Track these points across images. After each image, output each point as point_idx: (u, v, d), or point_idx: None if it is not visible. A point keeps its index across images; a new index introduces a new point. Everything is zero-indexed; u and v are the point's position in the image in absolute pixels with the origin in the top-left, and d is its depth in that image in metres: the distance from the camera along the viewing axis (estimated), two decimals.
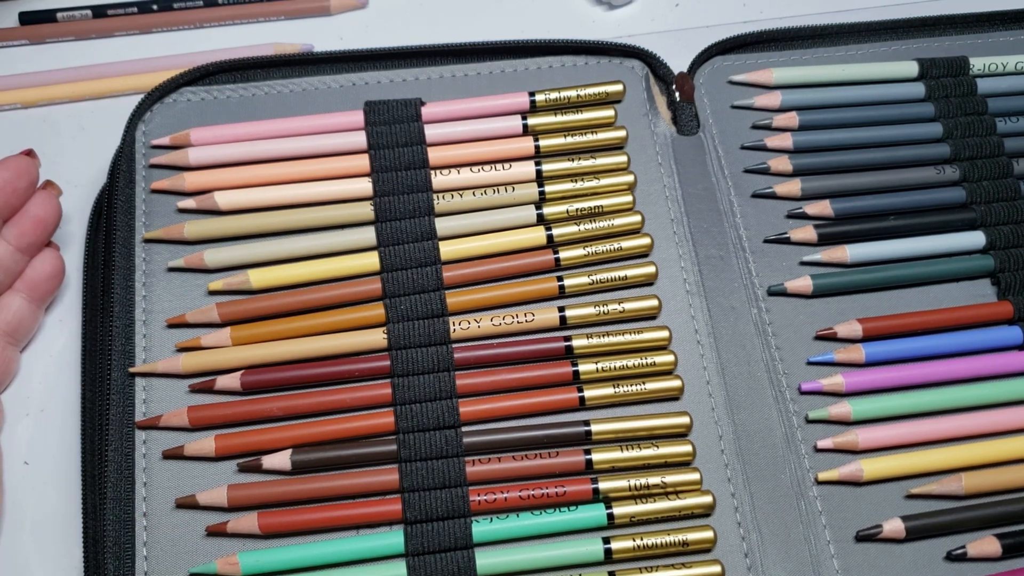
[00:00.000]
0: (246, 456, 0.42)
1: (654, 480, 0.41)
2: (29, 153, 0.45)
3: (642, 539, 0.40)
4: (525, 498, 0.41)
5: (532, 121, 0.49)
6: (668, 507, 0.41)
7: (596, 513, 0.41)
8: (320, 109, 0.49)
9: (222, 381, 0.43)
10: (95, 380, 0.44)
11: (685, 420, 0.43)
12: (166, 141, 0.48)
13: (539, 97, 0.49)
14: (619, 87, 0.50)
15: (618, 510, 0.41)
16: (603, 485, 0.41)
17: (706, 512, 0.41)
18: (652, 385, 0.43)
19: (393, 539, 0.40)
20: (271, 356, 0.43)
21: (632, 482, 0.41)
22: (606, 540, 0.40)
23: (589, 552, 0.40)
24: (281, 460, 0.41)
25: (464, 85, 0.51)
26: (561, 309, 0.45)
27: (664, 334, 0.44)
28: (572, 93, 0.49)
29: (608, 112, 0.49)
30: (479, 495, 0.41)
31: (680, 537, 0.40)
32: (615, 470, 0.42)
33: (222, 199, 0.46)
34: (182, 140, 0.47)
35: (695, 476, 0.42)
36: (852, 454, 0.43)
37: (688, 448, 0.42)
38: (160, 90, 0.49)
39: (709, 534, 0.41)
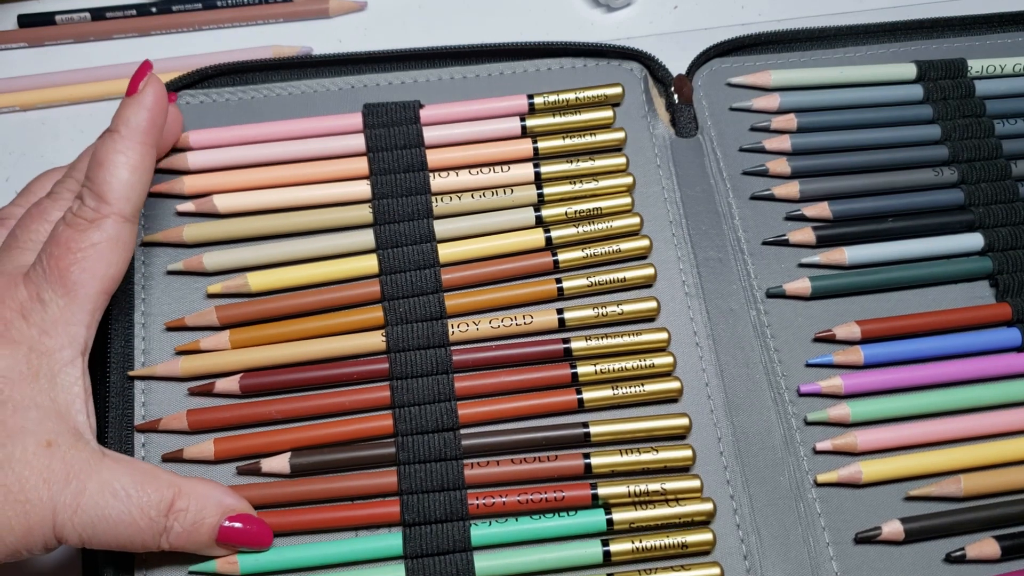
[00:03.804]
0: (245, 459, 0.42)
1: (654, 487, 0.41)
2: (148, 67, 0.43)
3: (641, 541, 0.40)
4: (524, 502, 0.40)
5: (531, 123, 0.49)
6: (668, 514, 0.41)
7: (596, 518, 0.41)
8: (319, 111, 0.49)
9: (221, 384, 0.43)
10: (94, 383, 0.44)
11: (684, 421, 0.43)
12: None
13: (538, 100, 0.49)
14: (618, 89, 0.50)
15: (618, 516, 0.41)
16: (602, 491, 0.41)
17: (706, 520, 0.41)
18: (651, 387, 0.43)
19: (392, 541, 0.40)
20: (270, 359, 0.43)
21: (632, 488, 0.41)
22: (605, 542, 0.40)
23: (588, 555, 0.40)
24: (280, 463, 0.41)
25: (463, 87, 0.51)
26: (560, 311, 0.45)
27: (663, 336, 0.44)
28: (571, 96, 0.49)
29: (607, 113, 0.49)
30: (478, 498, 0.40)
31: (679, 539, 0.40)
32: (615, 475, 0.42)
33: (221, 202, 0.46)
34: (181, 143, 0.47)
35: (695, 483, 0.41)
36: (851, 456, 0.43)
37: (688, 453, 0.42)
38: None
39: (708, 536, 0.41)
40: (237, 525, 0.38)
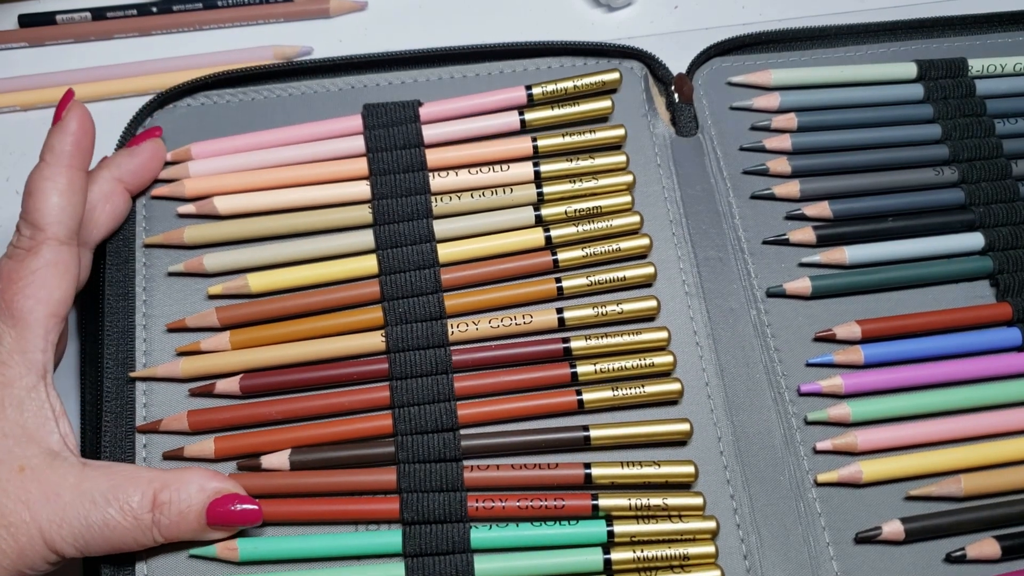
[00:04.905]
0: (246, 458, 0.42)
1: (655, 501, 0.41)
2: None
3: (642, 550, 0.40)
4: (524, 508, 0.40)
5: (530, 116, 0.49)
6: (670, 529, 0.41)
7: (597, 529, 0.40)
8: (320, 111, 0.49)
9: (221, 385, 0.43)
10: (96, 384, 0.44)
11: (685, 427, 0.42)
12: (168, 156, 0.47)
13: (536, 90, 0.49)
14: (615, 75, 0.50)
15: (619, 528, 0.40)
16: (603, 502, 0.41)
17: (709, 537, 0.41)
18: (651, 388, 0.43)
19: (392, 538, 0.40)
20: (270, 360, 0.43)
21: (633, 501, 0.41)
22: (606, 550, 0.40)
23: (588, 561, 0.40)
24: (279, 460, 0.41)
25: (463, 86, 0.51)
26: (559, 311, 0.45)
27: (663, 335, 0.44)
28: (568, 84, 0.49)
29: (605, 103, 0.49)
30: (477, 501, 0.40)
31: (681, 551, 0.40)
32: (615, 486, 0.42)
33: (221, 204, 0.46)
34: (183, 156, 0.47)
35: (698, 501, 0.41)
36: (851, 456, 0.43)
37: (691, 469, 0.42)
38: (159, 100, 0.49)
39: (711, 548, 0.40)
40: (224, 507, 0.39)
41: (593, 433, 0.42)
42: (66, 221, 0.41)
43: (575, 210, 0.47)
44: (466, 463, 0.42)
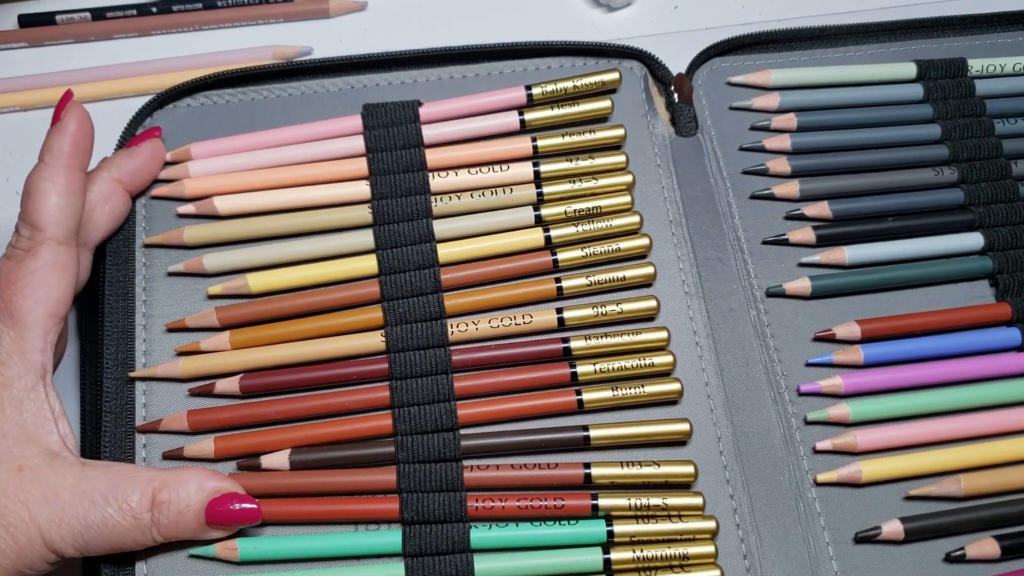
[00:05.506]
0: (245, 458, 0.42)
1: (655, 501, 0.41)
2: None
3: (642, 550, 0.40)
4: (523, 508, 0.40)
5: (529, 116, 0.49)
6: (670, 529, 0.41)
7: (597, 529, 0.40)
8: (319, 111, 0.49)
9: (221, 385, 0.43)
10: (96, 384, 0.44)
11: (685, 427, 0.42)
12: (167, 157, 0.48)
13: (536, 90, 0.49)
14: (615, 75, 0.50)
15: (619, 528, 0.40)
16: (603, 502, 0.41)
17: (709, 537, 0.41)
18: (651, 388, 0.43)
19: (392, 537, 0.40)
20: (270, 360, 0.43)
21: (633, 501, 0.41)
22: (606, 550, 0.40)
23: (588, 561, 0.40)
24: (279, 460, 0.41)
25: (463, 86, 0.51)
26: (559, 311, 0.45)
27: (663, 335, 0.44)
28: (568, 84, 0.49)
29: (605, 103, 0.49)
30: (477, 501, 0.40)
31: (681, 551, 0.40)
32: (615, 486, 0.42)
33: (221, 204, 0.46)
34: (182, 156, 0.47)
35: (698, 500, 0.41)
36: (851, 455, 0.43)
37: (690, 469, 0.42)
38: (158, 100, 0.49)
39: (710, 548, 0.40)
40: (223, 506, 0.39)
41: (593, 433, 0.42)
42: (65, 221, 0.41)
43: (575, 210, 0.47)
44: (466, 463, 0.42)
